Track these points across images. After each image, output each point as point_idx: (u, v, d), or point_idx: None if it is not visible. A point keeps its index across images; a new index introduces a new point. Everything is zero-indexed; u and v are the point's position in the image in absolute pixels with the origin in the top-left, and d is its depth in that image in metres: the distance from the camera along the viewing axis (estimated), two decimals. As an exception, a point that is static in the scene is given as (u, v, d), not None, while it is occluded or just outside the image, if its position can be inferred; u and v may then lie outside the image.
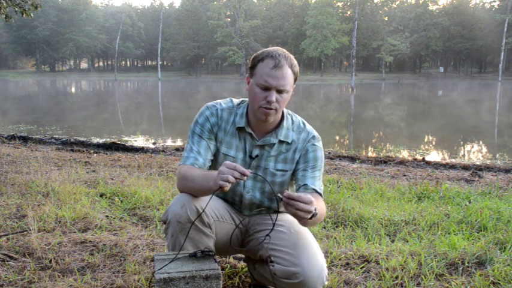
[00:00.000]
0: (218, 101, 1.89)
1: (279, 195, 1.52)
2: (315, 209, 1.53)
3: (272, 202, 1.92)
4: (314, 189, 1.79)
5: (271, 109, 1.72)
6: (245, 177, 1.49)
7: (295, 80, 1.77)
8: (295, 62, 1.76)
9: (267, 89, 1.71)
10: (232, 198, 1.92)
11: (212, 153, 1.84)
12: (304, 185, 1.80)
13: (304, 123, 1.90)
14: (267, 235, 1.66)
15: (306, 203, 1.48)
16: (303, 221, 1.59)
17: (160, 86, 45.33)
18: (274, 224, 1.65)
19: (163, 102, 25.95)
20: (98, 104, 24.05)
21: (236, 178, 1.49)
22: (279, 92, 1.71)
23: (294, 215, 1.52)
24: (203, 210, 1.69)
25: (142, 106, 22.70)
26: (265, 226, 1.85)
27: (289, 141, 1.85)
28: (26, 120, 14.46)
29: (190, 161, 1.79)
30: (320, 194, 1.80)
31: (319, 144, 1.88)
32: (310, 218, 1.53)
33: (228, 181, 1.48)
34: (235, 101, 1.89)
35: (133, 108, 21.88)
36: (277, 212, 1.84)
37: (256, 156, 1.84)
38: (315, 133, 1.89)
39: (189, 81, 56.27)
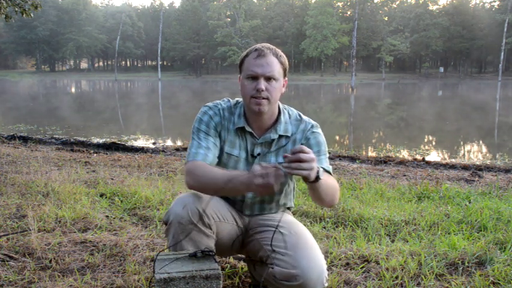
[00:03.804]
0: (216, 101, 1.89)
1: (284, 157, 1.49)
2: (318, 168, 1.52)
3: (274, 202, 1.92)
4: (322, 168, 1.71)
5: (262, 98, 1.72)
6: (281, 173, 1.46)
7: (284, 70, 1.78)
8: (281, 53, 1.78)
9: (254, 78, 1.72)
10: (233, 197, 1.92)
11: (218, 151, 1.83)
12: None
13: (300, 115, 1.91)
14: (275, 231, 1.64)
15: (307, 152, 1.46)
16: (311, 186, 1.55)
17: (161, 86, 45.30)
18: (277, 226, 1.66)
19: (170, 105, 25.90)
20: (98, 104, 24.05)
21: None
22: (267, 79, 1.72)
23: (299, 172, 1.46)
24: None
25: (143, 106, 22.69)
26: (265, 227, 1.84)
27: (289, 135, 1.85)
28: (26, 120, 14.45)
29: (201, 156, 1.75)
30: (329, 173, 1.78)
31: (319, 130, 1.88)
32: (316, 180, 1.51)
33: (268, 183, 1.45)
34: (232, 101, 1.90)
35: (133, 108, 21.86)
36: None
37: (258, 154, 1.85)
38: (313, 122, 1.90)
39: (191, 81, 56.24)
